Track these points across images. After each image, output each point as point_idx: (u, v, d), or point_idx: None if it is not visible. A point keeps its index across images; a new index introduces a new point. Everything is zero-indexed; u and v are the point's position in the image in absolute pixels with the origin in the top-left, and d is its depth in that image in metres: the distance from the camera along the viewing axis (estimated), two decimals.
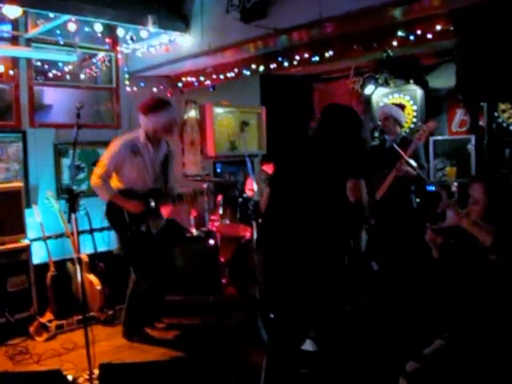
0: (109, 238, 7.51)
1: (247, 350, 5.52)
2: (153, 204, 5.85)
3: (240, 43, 6.63)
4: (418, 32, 5.75)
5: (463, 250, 3.35)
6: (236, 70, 7.74)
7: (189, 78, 8.62)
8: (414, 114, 8.96)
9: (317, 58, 6.75)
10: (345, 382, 4.61)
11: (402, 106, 8.06)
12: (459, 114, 8.78)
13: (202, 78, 8.34)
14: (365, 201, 4.51)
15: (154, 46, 7.49)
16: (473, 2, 5.07)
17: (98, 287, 6.63)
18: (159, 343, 6.03)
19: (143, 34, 7.08)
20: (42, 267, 6.75)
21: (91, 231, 7.07)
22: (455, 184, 7.67)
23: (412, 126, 8.88)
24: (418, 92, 8.91)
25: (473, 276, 3.36)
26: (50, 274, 6.58)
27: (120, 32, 7.13)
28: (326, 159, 4.59)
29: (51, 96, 8.27)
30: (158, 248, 6.09)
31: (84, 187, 7.70)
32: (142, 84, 8.49)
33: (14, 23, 7.05)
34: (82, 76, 8.16)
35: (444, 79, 8.58)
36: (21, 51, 7.21)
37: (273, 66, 7.28)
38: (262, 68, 7.44)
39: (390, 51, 6.40)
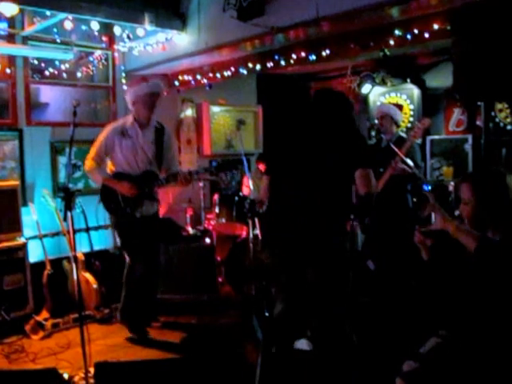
0: (105, 237, 7.52)
1: (242, 348, 5.52)
2: (147, 189, 5.90)
3: (237, 42, 6.62)
4: (415, 31, 5.74)
5: (452, 252, 3.34)
6: (233, 69, 7.73)
7: (185, 77, 8.61)
8: (411, 113, 8.97)
9: (314, 57, 6.74)
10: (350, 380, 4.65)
11: (399, 106, 8.07)
12: (456, 114, 8.79)
13: (198, 77, 8.34)
14: (374, 190, 4.61)
15: (151, 44, 7.49)
16: (470, 2, 5.06)
17: (94, 286, 6.62)
18: (155, 342, 6.03)
19: (140, 32, 7.09)
20: (38, 265, 6.74)
21: (87, 230, 7.00)
22: (452, 184, 7.67)
23: (409, 125, 8.88)
24: (415, 91, 8.92)
25: (462, 277, 3.36)
26: (46, 273, 6.57)
27: (117, 30, 7.13)
28: (325, 149, 4.67)
29: (48, 94, 8.26)
30: (148, 236, 6.09)
31: (80, 185, 7.70)
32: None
33: (11, 21, 7.01)
34: (79, 74, 8.13)
35: (441, 78, 8.59)
36: (17, 49, 7.20)
37: (269, 64, 7.26)
38: (258, 67, 7.43)
39: (386, 50, 6.39)
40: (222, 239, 7.92)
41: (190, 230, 7.85)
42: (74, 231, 4.65)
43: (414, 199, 6.89)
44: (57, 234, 7.12)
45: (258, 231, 6.62)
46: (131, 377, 4.38)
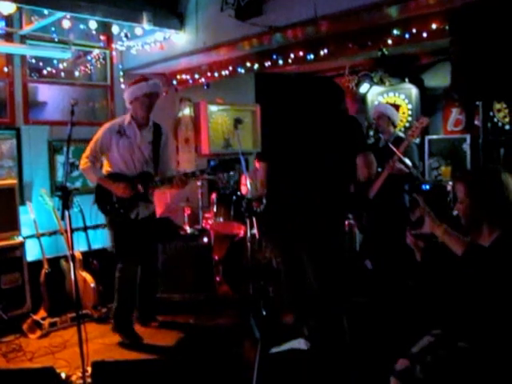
0: (103, 236, 7.51)
1: (240, 348, 5.52)
2: (140, 187, 5.83)
3: (235, 41, 6.63)
4: (414, 31, 5.75)
5: (444, 254, 3.33)
6: (231, 68, 7.74)
7: (183, 76, 8.61)
8: (409, 112, 8.97)
9: (312, 57, 6.75)
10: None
11: (396, 106, 8.07)
12: (454, 113, 8.80)
13: (196, 76, 8.34)
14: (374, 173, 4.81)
15: (149, 43, 7.48)
16: (468, 1, 5.07)
17: (92, 285, 6.62)
18: (152, 341, 6.02)
19: (138, 31, 7.09)
20: (36, 264, 6.73)
21: (85, 228, 7.05)
22: (450, 183, 7.67)
23: (407, 124, 8.88)
24: (413, 91, 8.92)
25: (454, 279, 3.35)
26: (43, 272, 6.56)
27: (115, 29, 7.12)
28: (323, 149, 4.76)
29: (46, 93, 8.25)
30: (144, 238, 6.05)
31: (78, 184, 7.70)
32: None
33: (8, 20, 7.02)
34: (77, 73, 8.13)
35: (439, 78, 8.60)
36: (15, 48, 7.19)
37: (267, 64, 7.26)
38: (256, 66, 7.43)
39: (385, 50, 6.39)
40: (220, 238, 7.92)
41: (188, 229, 7.84)
42: (72, 230, 4.65)
43: (411, 199, 6.89)
44: (54, 232, 7.11)
45: (255, 230, 6.62)
46: (128, 376, 4.38)
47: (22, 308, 6.54)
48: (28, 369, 5.10)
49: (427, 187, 7.89)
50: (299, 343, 5.36)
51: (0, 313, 6.25)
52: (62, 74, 7.94)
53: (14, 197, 6.73)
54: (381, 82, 9.04)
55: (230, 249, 7.51)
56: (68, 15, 6.41)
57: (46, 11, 6.32)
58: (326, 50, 6.58)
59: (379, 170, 6.30)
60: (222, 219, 8.01)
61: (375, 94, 9.27)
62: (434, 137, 8.63)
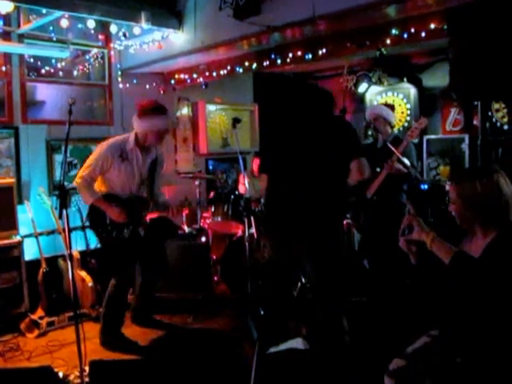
0: None
1: (238, 347, 5.52)
2: (135, 217, 5.77)
3: (233, 40, 6.62)
4: (412, 30, 5.75)
5: (436, 258, 3.30)
6: (229, 68, 7.74)
7: (181, 75, 8.62)
8: (408, 112, 8.96)
9: (310, 56, 6.75)
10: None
11: (391, 106, 8.07)
12: (453, 113, 8.79)
13: (194, 76, 8.35)
14: (368, 177, 4.95)
15: (147, 42, 7.48)
16: (467, 1, 5.07)
17: (90, 284, 6.61)
18: (149, 341, 6.01)
19: (136, 30, 7.07)
20: (34, 264, 6.73)
21: (83, 228, 7.06)
22: (448, 183, 7.66)
23: (406, 124, 8.88)
24: (412, 91, 8.92)
25: (447, 283, 3.34)
26: (41, 271, 6.55)
27: (113, 28, 7.11)
28: (323, 149, 4.84)
29: (44, 92, 8.24)
30: (145, 247, 6.02)
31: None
32: (134, 81, 8.49)
33: (6, 18, 7.02)
34: (75, 72, 8.13)
35: (438, 78, 8.59)
36: (13, 47, 7.19)
37: (266, 63, 7.27)
38: (254, 65, 7.44)
39: (383, 49, 6.39)
40: (218, 238, 7.93)
41: (186, 229, 7.84)
42: (70, 229, 4.64)
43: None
44: (52, 232, 7.10)
45: (253, 230, 6.61)
46: (126, 375, 4.39)
47: (20, 307, 6.54)
48: (26, 368, 5.10)
49: (425, 187, 7.89)
50: (297, 343, 5.37)
51: None
52: (60, 73, 7.94)
53: (12, 196, 6.72)
54: (379, 82, 9.03)
55: (228, 248, 7.50)
56: (66, 14, 6.39)
57: (44, 10, 6.31)
58: (324, 50, 6.58)
59: (378, 169, 6.30)
60: (220, 218, 8.01)
61: (373, 94, 9.27)
62: (433, 136, 8.63)
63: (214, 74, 7.95)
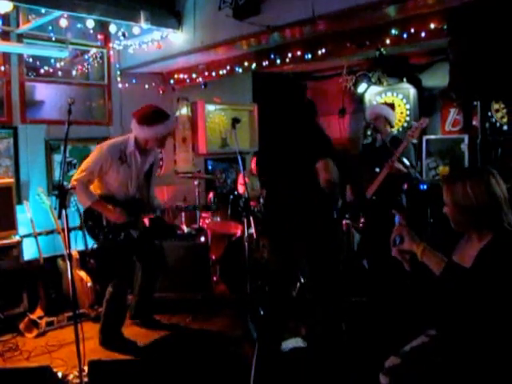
0: None
1: (237, 348, 5.52)
2: (133, 218, 5.73)
3: (232, 40, 6.62)
4: (412, 30, 5.75)
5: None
6: (228, 67, 7.75)
7: (181, 75, 8.63)
8: (407, 112, 8.96)
9: (309, 56, 6.76)
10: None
11: (391, 106, 8.05)
12: (452, 114, 8.78)
13: (194, 75, 8.35)
14: (336, 179, 5.03)
15: (146, 42, 7.48)
16: (467, 1, 5.06)
17: (89, 284, 6.61)
18: (149, 341, 6.01)
19: (135, 30, 7.06)
20: (33, 263, 6.72)
21: (82, 228, 7.04)
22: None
23: (405, 124, 8.88)
24: (411, 91, 8.91)
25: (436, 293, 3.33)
26: (40, 271, 6.55)
27: (112, 28, 7.10)
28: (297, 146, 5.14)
29: (43, 92, 8.23)
30: (142, 248, 6.01)
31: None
32: (133, 81, 8.49)
33: (5, 18, 7.01)
34: (74, 72, 8.13)
35: (437, 78, 8.58)
36: (12, 47, 7.19)
37: (265, 63, 7.27)
38: (254, 65, 7.45)
39: (383, 49, 6.38)
40: (217, 238, 7.92)
41: (185, 229, 7.84)
42: (69, 229, 4.63)
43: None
44: (51, 232, 7.09)
45: (253, 230, 6.61)
46: (125, 375, 4.38)
47: (19, 307, 6.53)
48: (25, 368, 5.08)
49: (425, 187, 7.87)
50: (297, 342, 5.37)
51: None
52: (59, 73, 7.94)
53: (11, 196, 6.72)
54: (378, 82, 9.03)
55: (228, 248, 7.50)
56: (65, 14, 6.39)
57: (43, 10, 6.30)
58: (323, 50, 6.58)
59: (377, 170, 6.30)
60: (219, 219, 8.01)
61: (373, 94, 9.26)
62: (432, 137, 8.62)
63: (214, 73, 7.95)
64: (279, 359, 5.12)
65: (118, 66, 8.44)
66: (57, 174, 7.69)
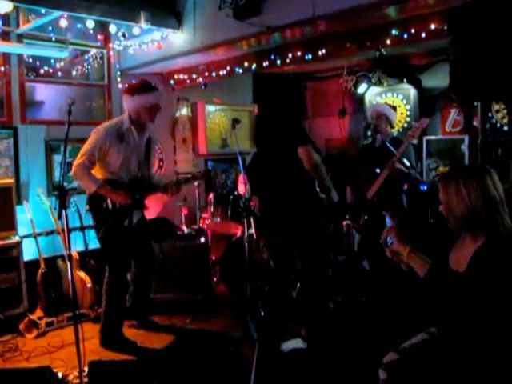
0: None
1: (238, 348, 5.52)
2: (138, 197, 5.77)
3: (232, 41, 6.62)
4: (412, 31, 5.74)
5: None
6: (228, 68, 7.74)
7: (181, 76, 8.63)
8: (408, 113, 8.95)
9: (310, 56, 6.75)
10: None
11: (394, 107, 8.04)
12: (453, 114, 8.77)
13: (194, 76, 8.35)
14: (318, 161, 5.28)
15: (146, 42, 7.48)
16: (468, 1, 5.06)
17: (89, 284, 6.61)
18: (148, 341, 6.00)
19: (135, 30, 7.06)
20: (33, 264, 6.73)
21: (82, 228, 7.05)
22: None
23: (405, 125, 8.86)
24: (412, 91, 8.90)
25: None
26: (40, 271, 6.55)
27: (112, 29, 7.10)
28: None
29: (43, 92, 8.24)
30: (137, 241, 5.99)
31: (75, 184, 7.66)
32: (133, 81, 8.46)
33: (5, 18, 7.00)
34: (74, 72, 8.13)
35: (438, 79, 8.57)
36: (12, 47, 7.18)
37: (265, 63, 7.27)
38: (254, 66, 7.44)
39: (383, 50, 6.38)
40: (217, 238, 7.92)
41: (185, 229, 7.84)
42: (69, 230, 4.63)
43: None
44: (51, 232, 7.10)
45: (253, 230, 6.61)
46: (125, 375, 4.38)
47: (19, 307, 6.55)
48: (25, 368, 5.08)
49: (425, 188, 7.87)
50: (297, 343, 5.37)
51: None
52: (59, 73, 7.94)
53: (10, 196, 6.73)
54: (379, 83, 9.01)
55: (228, 249, 7.51)
56: (65, 14, 6.39)
57: (43, 10, 6.30)
58: (324, 50, 6.58)
59: (377, 170, 6.29)
60: (219, 219, 8.00)
61: (373, 95, 9.25)
62: (432, 137, 8.60)
63: (214, 74, 7.95)
64: (279, 360, 5.13)
65: (118, 66, 8.43)
66: (57, 175, 7.69)
